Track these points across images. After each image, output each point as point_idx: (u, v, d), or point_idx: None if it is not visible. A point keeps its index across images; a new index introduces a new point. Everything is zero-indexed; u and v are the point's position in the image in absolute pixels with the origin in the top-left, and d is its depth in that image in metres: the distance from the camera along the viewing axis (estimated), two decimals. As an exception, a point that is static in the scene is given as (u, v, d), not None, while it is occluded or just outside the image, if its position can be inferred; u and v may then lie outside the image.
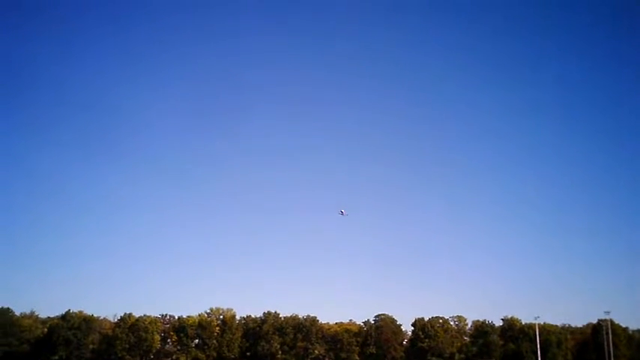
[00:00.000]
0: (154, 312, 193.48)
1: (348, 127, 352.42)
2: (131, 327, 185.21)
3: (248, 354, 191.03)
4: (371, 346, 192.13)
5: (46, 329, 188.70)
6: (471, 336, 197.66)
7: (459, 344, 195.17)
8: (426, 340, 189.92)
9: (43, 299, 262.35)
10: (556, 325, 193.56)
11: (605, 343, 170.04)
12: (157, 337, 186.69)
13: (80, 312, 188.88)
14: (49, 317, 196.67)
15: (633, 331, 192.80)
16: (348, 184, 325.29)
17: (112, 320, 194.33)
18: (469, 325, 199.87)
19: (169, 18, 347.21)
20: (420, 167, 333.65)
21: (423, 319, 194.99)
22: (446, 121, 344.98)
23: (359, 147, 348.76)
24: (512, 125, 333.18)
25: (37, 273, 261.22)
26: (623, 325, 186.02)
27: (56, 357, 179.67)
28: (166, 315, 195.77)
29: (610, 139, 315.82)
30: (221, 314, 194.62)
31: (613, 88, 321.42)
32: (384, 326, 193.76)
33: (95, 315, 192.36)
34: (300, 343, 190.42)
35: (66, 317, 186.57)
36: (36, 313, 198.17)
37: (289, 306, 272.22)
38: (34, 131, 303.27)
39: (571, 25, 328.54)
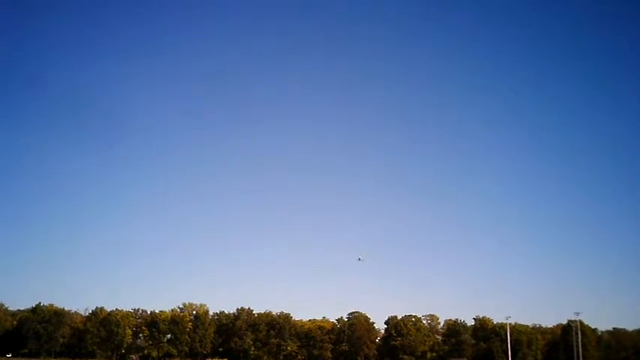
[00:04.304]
0: (126, 306, 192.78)
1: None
2: (102, 321, 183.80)
3: (221, 350, 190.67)
4: (344, 344, 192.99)
5: (15, 322, 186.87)
6: (443, 335, 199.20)
7: (431, 343, 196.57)
8: (399, 339, 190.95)
9: (12, 292, 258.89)
10: (527, 326, 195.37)
11: (575, 344, 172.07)
12: (129, 331, 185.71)
13: (51, 305, 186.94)
14: (19, 310, 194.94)
15: (602, 332, 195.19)
16: (328, 177, 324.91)
17: (83, 314, 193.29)
18: (441, 324, 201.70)
19: (168, 16, 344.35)
20: (400, 163, 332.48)
21: (395, 317, 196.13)
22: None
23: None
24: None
25: (6, 265, 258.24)
26: (593, 326, 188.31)
27: (26, 350, 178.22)
28: (138, 309, 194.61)
29: (592, 141, 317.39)
30: (194, 309, 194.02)
31: (614, 84, 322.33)
32: (357, 324, 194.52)
33: (66, 308, 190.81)
34: (273, 340, 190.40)
35: (36, 310, 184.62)
36: (5, 306, 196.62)
37: (263, 302, 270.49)
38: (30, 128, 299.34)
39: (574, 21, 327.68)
